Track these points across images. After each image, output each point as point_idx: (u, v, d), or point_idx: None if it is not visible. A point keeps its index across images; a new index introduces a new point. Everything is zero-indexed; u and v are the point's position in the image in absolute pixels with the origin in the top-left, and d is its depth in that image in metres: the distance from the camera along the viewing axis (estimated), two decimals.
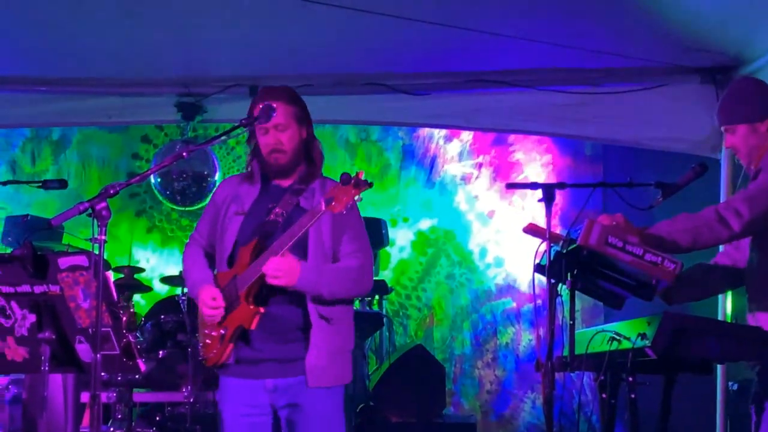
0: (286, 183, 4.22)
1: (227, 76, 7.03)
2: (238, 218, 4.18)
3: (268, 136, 4.15)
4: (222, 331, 4.07)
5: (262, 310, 3.99)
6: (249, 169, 4.32)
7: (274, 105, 4.06)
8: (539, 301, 6.50)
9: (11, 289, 3.89)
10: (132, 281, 7.42)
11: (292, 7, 5.65)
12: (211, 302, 4.09)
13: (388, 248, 8.92)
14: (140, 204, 9.36)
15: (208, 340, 4.16)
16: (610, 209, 5.03)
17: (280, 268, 3.91)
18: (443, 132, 9.17)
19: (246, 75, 6.94)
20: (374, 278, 7.89)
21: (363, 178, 3.71)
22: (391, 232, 8.81)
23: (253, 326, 3.99)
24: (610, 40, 6.10)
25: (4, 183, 5.92)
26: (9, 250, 7.26)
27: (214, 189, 4.52)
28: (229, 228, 4.18)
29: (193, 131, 8.11)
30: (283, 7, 5.76)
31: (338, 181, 3.77)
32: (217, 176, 8.07)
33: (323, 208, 3.75)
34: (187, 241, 4.49)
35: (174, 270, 8.62)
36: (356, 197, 3.72)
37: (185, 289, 7.00)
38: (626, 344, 3.94)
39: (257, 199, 4.21)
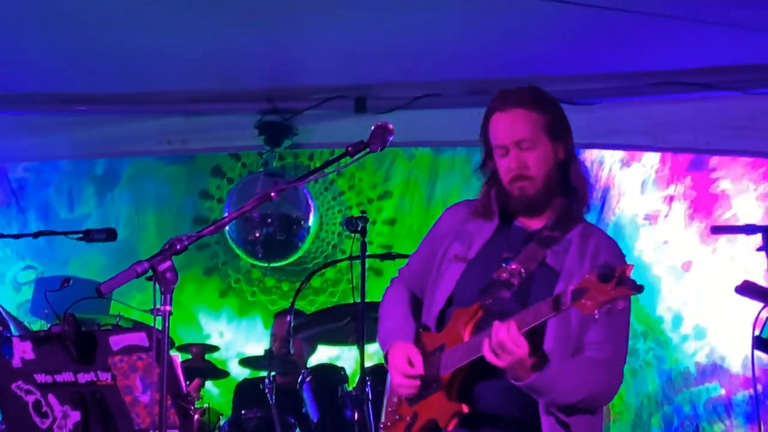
0: (535, 224, 4.07)
1: (325, 86, 7.14)
2: (459, 265, 4.07)
3: (509, 158, 3.99)
4: (408, 419, 4.00)
5: (465, 409, 3.83)
6: (483, 196, 4.16)
7: (509, 114, 3.99)
8: (759, 387, 6.36)
9: (48, 379, 4.00)
10: (202, 363, 7.54)
11: None
12: (406, 367, 3.96)
13: None
14: (210, 259, 9.53)
15: (389, 422, 4.12)
16: None
17: (520, 344, 3.63)
18: (619, 155, 9.10)
19: (350, 84, 7.04)
20: None
21: (630, 275, 3.41)
22: None
23: (451, 427, 3.84)
24: None
25: (35, 234, 6.10)
26: (42, 325, 7.46)
27: (439, 216, 4.42)
28: (446, 276, 4.09)
29: (279, 160, 8.24)
30: None
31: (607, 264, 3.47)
32: (312, 220, 8.15)
33: (569, 302, 3.51)
34: (395, 276, 4.44)
35: (257, 348, 8.72)
36: (617, 300, 3.41)
37: (273, 372, 7.08)
38: None
39: (489, 243, 4.07)
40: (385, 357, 4.09)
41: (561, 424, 3.83)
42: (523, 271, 3.90)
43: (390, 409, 4.13)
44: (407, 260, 4.45)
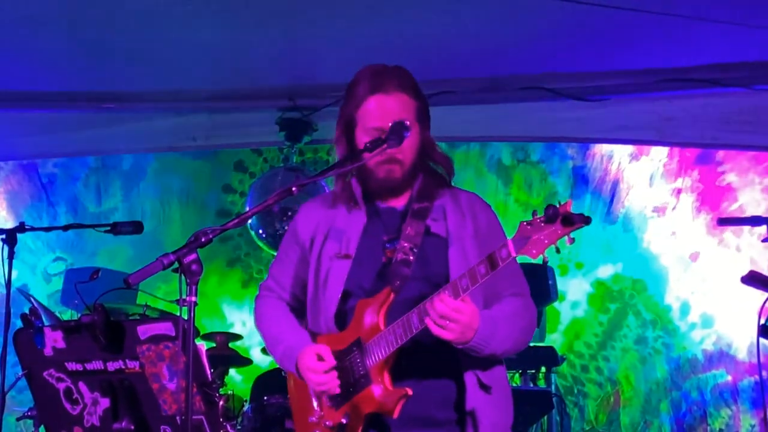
0: (400, 202, 4.05)
1: (343, 83, 7.05)
2: (343, 263, 3.97)
3: None
4: (343, 420, 3.87)
5: (410, 392, 3.73)
6: (341, 186, 4.11)
7: (392, 97, 3.90)
8: (765, 374, 6.35)
9: (79, 367, 4.01)
10: (226, 351, 7.54)
11: None
12: (317, 364, 3.87)
13: (556, 304, 8.87)
14: (233, 251, 9.53)
15: (316, 431, 3.99)
16: None
17: (462, 311, 3.62)
18: (628, 149, 9.08)
19: None
20: (540, 344, 7.86)
21: (573, 210, 3.41)
22: (561, 283, 8.74)
23: (397, 414, 3.74)
24: None
25: (65, 228, 6.10)
26: (72, 315, 7.48)
27: (292, 219, 4.34)
28: (332, 276, 3.97)
29: (299, 155, 8.25)
30: None
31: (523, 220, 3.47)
32: None
33: (513, 252, 3.48)
34: (258, 293, 4.32)
35: None
36: (565, 238, 3.41)
37: None
38: None
39: (365, 232, 4.01)
40: (296, 369, 3.97)
41: (482, 387, 3.82)
42: (413, 246, 3.87)
43: (312, 419, 4.00)
44: (267, 274, 4.35)
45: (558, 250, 3.43)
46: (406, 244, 3.89)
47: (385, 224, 4.02)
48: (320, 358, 3.87)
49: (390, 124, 3.86)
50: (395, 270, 3.87)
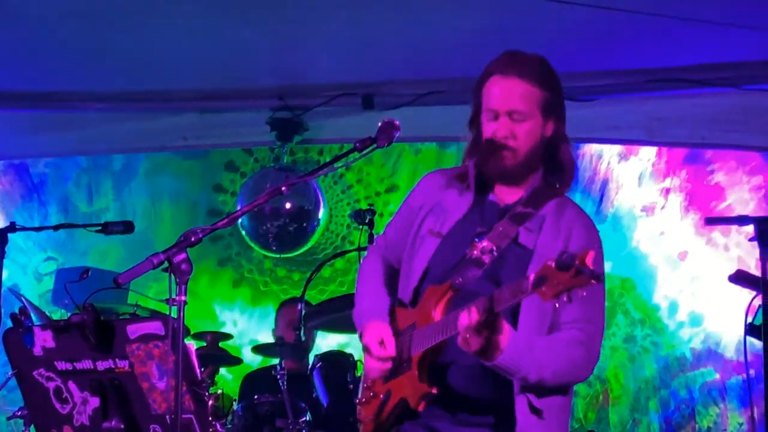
0: (509, 198, 3.89)
1: (334, 84, 7.13)
2: (433, 240, 3.91)
3: (498, 123, 3.77)
4: (382, 397, 3.89)
5: (434, 391, 3.67)
6: (462, 167, 3.99)
7: (511, 82, 3.76)
8: (752, 372, 6.35)
9: (69, 366, 3.98)
10: (216, 351, 7.52)
11: None
12: (377, 348, 3.85)
13: None
14: (224, 250, 9.51)
15: (364, 399, 4.01)
16: None
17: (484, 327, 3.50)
18: (616, 149, 9.07)
19: (358, 81, 7.03)
20: None
21: (590, 265, 3.17)
22: None
23: (420, 408, 3.70)
24: None
25: (56, 227, 6.09)
26: (62, 314, 7.46)
27: (415, 185, 4.26)
28: (420, 251, 3.93)
29: (290, 155, 8.24)
30: None
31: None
32: (322, 212, 8.14)
33: (530, 287, 3.30)
34: (369, 248, 4.33)
35: (269, 335, 8.72)
36: (577, 289, 3.19)
37: (283, 361, 7.06)
38: None
39: (464, 218, 3.91)
40: (360, 337, 3.95)
41: (534, 411, 3.69)
42: (494, 248, 3.71)
43: (365, 385, 4.01)
44: (383, 228, 4.30)
45: (570, 300, 3.23)
46: (487, 244, 3.73)
47: (484, 216, 3.89)
48: (382, 344, 3.84)
49: (505, 108, 3.76)
50: (464, 267, 3.75)
